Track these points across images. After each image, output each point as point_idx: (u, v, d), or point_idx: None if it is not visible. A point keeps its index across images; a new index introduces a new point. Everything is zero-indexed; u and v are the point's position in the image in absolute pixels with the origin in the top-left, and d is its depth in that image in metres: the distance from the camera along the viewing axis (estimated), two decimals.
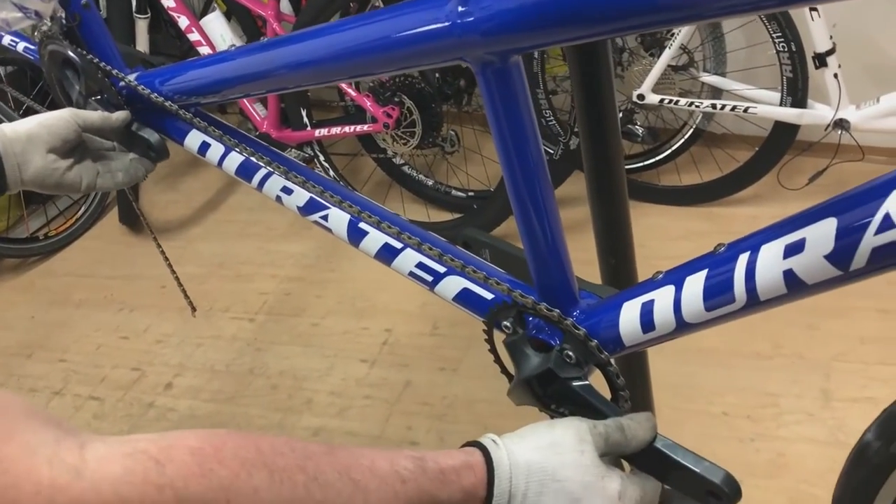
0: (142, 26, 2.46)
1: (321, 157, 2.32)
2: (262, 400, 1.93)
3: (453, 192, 2.33)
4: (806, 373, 1.64)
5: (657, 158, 2.17)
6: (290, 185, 0.90)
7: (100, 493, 0.40)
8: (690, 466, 0.60)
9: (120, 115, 1.00)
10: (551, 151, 2.10)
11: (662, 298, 0.61)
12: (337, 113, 2.42)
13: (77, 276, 2.59)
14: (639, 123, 2.04)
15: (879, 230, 0.45)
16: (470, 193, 2.31)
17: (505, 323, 0.73)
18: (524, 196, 0.67)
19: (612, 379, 0.66)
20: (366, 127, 2.14)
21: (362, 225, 0.85)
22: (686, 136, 2.13)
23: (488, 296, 0.77)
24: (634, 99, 2.00)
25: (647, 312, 0.62)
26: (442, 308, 2.08)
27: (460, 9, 0.61)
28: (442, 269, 0.79)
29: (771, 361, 1.69)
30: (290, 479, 0.47)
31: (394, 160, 2.35)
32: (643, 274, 1.94)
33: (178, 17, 2.24)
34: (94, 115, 0.97)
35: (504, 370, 0.81)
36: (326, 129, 2.21)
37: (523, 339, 0.73)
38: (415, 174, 2.36)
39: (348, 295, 2.19)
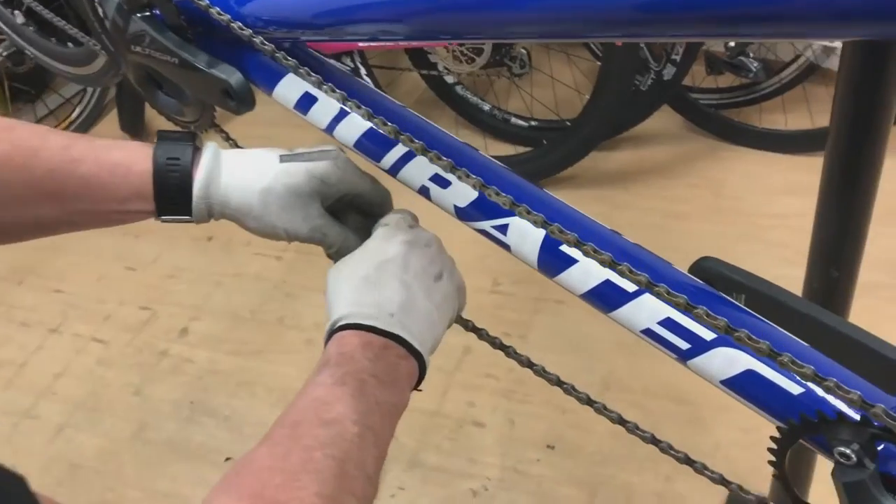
0: None
1: (363, 70, 1.99)
2: (295, 357, 1.67)
3: (513, 119, 2.02)
4: None
5: (761, 93, 1.87)
6: (442, 173, 0.61)
7: None
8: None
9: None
10: (638, 82, 1.80)
11: None
12: None
13: None
14: (752, 55, 1.73)
15: None
16: (533, 123, 2.01)
17: (842, 449, 0.46)
18: None
19: None
20: None
21: (565, 248, 0.57)
22: (798, 69, 1.83)
23: (794, 390, 0.49)
24: None
25: None
26: (502, 261, 1.80)
27: None
28: (709, 337, 0.52)
29: None
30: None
31: (445, 78, 2.03)
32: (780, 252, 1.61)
33: None
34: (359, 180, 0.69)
35: None
36: None
37: (875, 479, 0.46)
38: (469, 96, 2.05)
39: None
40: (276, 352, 1.70)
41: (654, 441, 0.59)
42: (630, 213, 1.83)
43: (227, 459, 1.51)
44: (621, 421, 0.62)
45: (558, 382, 0.64)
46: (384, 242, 0.63)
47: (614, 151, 1.97)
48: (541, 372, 0.65)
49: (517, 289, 1.72)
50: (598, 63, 1.78)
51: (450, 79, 2.03)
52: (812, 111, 1.84)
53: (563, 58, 2.04)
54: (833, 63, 1.81)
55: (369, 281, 0.59)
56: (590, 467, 1.39)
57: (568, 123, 1.89)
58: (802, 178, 1.85)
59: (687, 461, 0.59)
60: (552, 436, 1.45)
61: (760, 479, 1.30)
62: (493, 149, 1.99)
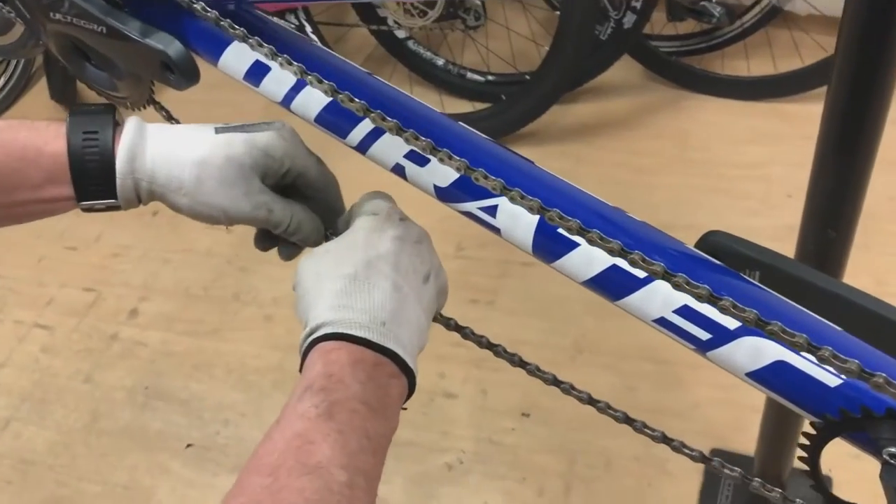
0: None
1: (308, 28, 1.89)
2: (254, 334, 1.60)
3: (469, 74, 1.94)
4: None
5: (723, 38, 1.82)
6: (422, 153, 0.54)
7: None
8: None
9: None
10: (597, 31, 1.73)
11: None
12: None
13: None
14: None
15: None
16: (490, 77, 1.93)
17: (893, 450, 0.42)
18: None
19: None
20: None
21: (563, 232, 0.51)
22: (760, 12, 1.78)
23: (831, 381, 0.44)
24: None
25: None
26: (464, 224, 1.77)
27: None
28: (733, 325, 0.47)
29: None
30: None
31: (396, 33, 1.93)
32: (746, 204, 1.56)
33: None
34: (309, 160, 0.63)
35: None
36: None
37: None
38: (422, 51, 1.96)
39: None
40: (234, 329, 1.62)
41: (666, 440, 0.54)
42: (595, 168, 1.77)
43: (189, 447, 1.44)
44: (644, 428, 0.56)
45: (555, 382, 0.58)
46: (374, 235, 0.55)
47: (575, 104, 1.90)
48: (535, 371, 0.59)
49: (483, 252, 1.66)
50: (556, 12, 1.71)
51: (401, 33, 1.93)
52: (775, 56, 1.80)
53: (518, 7, 1.96)
54: (795, 6, 1.76)
55: (358, 280, 0.51)
56: (566, 434, 1.35)
57: (527, 77, 1.82)
58: (767, 125, 1.82)
59: (691, 456, 0.54)
60: (526, 403, 1.40)
61: (741, 436, 1.28)
62: (449, 106, 1.91)
